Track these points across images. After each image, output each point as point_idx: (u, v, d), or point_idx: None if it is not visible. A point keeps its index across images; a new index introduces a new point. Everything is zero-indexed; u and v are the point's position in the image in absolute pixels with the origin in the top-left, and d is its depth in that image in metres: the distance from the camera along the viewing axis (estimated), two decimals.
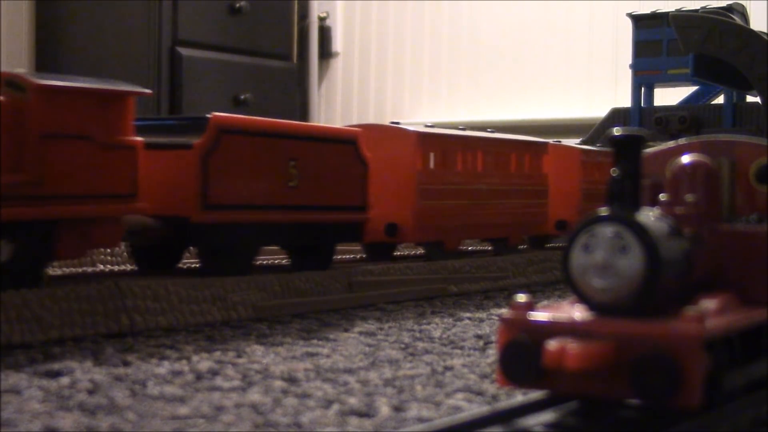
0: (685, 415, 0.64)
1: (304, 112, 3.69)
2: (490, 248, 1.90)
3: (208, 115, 1.26)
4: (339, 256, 1.63)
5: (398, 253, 1.77)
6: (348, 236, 1.52)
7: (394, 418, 0.75)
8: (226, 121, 1.28)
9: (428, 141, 1.65)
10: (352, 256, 1.66)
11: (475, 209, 1.74)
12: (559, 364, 0.62)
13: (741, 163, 0.81)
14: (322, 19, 3.91)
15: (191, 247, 1.42)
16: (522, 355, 0.65)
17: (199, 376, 0.89)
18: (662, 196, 0.77)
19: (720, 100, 2.33)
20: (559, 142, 2.07)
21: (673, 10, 2.13)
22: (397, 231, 1.60)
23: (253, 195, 1.31)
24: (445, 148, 1.68)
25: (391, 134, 1.65)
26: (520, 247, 1.93)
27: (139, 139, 1.17)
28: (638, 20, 2.35)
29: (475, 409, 0.77)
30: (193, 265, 1.40)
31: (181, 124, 1.33)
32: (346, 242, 1.59)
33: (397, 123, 1.68)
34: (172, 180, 1.24)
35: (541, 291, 1.69)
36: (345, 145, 1.47)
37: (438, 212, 1.66)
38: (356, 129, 1.52)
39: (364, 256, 1.70)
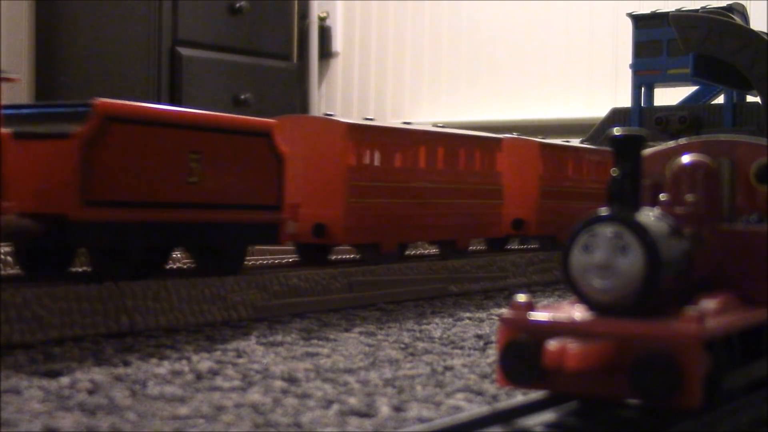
0: (685, 415, 0.64)
1: (303, 112, 3.69)
2: (436, 251, 1.74)
3: (91, 101, 1.13)
4: (334, 257, 1.60)
5: (334, 257, 1.61)
6: (261, 238, 1.38)
7: (394, 418, 0.75)
8: (114, 108, 1.15)
9: (362, 134, 1.50)
10: (350, 256, 1.65)
11: (416, 209, 1.60)
12: (559, 364, 0.62)
13: (741, 163, 0.81)
14: (322, 19, 3.91)
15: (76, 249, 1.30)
16: (522, 355, 0.65)
17: (199, 376, 0.89)
18: (662, 196, 0.77)
19: (720, 100, 2.33)
20: (520, 136, 1.96)
21: (673, 10, 2.13)
22: (325, 232, 1.45)
23: (146, 191, 1.18)
24: (382, 142, 1.54)
25: (319, 126, 1.50)
26: (472, 249, 1.82)
27: (4, 129, 1.03)
28: (638, 20, 2.35)
29: (475, 409, 0.77)
30: (187, 266, 1.40)
31: (63, 112, 1.18)
32: (259, 244, 1.49)
33: (331, 115, 1.52)
34: (47, 173, 1.11)
35: (541, 291, 1.69)
36: (256, 137, 1.33)
37: (372, 212, 1.50)
38: (270, 120, 1.36)
39: (295, 259, 1.54)
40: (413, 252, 1.78)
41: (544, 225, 1.91)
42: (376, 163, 1.53)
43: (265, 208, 1.34)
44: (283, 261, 1.51)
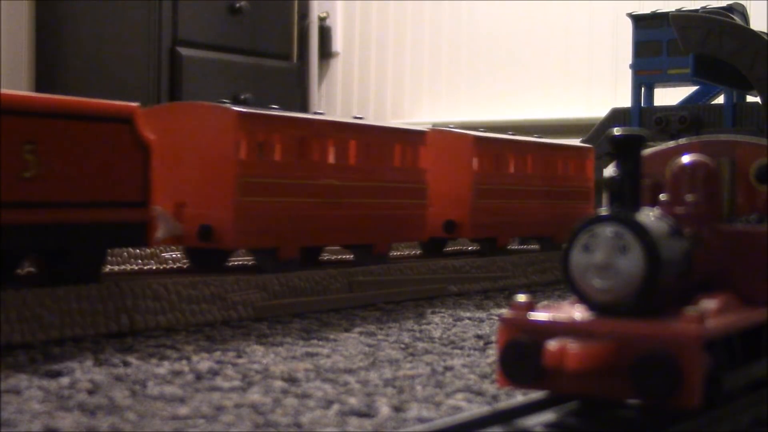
0: (685, 415, 0.64)
1: (304, 112, 3.70)
2: (350, 257, 1.57)
3: None
4: (333, 257, 1.59)
5: (233, 262, 1.46)
6: (123, 240, 1.19)
7: (394, 418, 0.75)
8: None
9: (256, 124, 1.33)
10: (348, 256, 1.64)
11: (323, 210, 1.41)
12: (559, 364, 0.62)
13: (741, 163, 0.81)
14: (322, 19, 3.91)
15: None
16: (522, 355, 0.65)
17: (199, 376, 0.89)
18: (662, 196, 0.77)
19: (720, 100, 2.33)
20: (451, 128, 1.78)
21: (673, 10, 2.13)
22: (212, 235, 1.28)
23: None
24: (282, 134, 1.36)
25: (205, 115, 1.32)
26: (403, 254, 1.71)
27: None
28: (638, 20, 2.35)
29: (475, 409, 0.77)
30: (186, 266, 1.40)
31: None
32: (122, 246, 1.33)
33: (224, 102, 1.34)
34: None
35: (541, 291, 1.69)
36: (114, 124, 1.14)
37: (269, 213, 1.33)
38: (131, 104, 1.17)
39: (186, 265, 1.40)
40: (329, 257, 1.60)
41: (481, 227, 1.73)
42: (275, 157, 1.35)
43: (126, 206, 1.16)
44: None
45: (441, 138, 1.70)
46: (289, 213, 1.36)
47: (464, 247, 1.89)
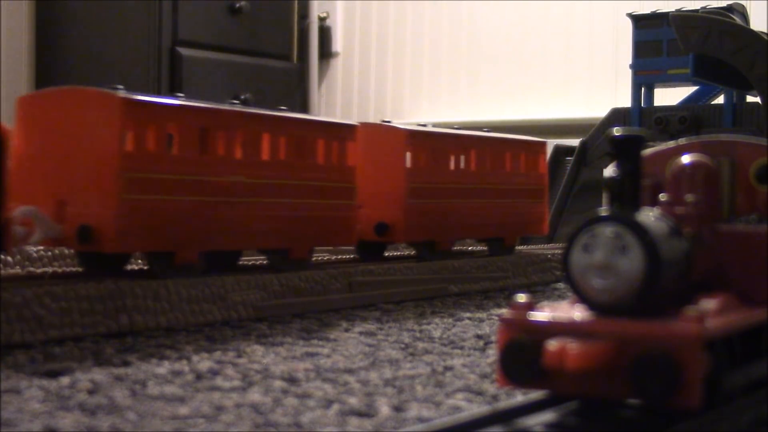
0: (685, 415, 0.64)
1: (304, 112, 3.70)
2: (265, 262, 1.43)
3: None
4: (250, 262, 1.46)
5: (132, 267, 1.32)
6: None
7: (394, 418, 0.75)
8: None
9: (145, 113, 1.17)
10: (349, 256, 1.65)
11: (228, 210, 1.26)
12: (559, 364, 0.62)
13: (741, 163, 0.81)
14: (322, 19, 3.91)
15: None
16: (522, 355, 0.65)
17: (199, 376, 0.89)
18: (662, 196, 0.77)
19: (720, 100, 2.33)
20: (389, 122, 1.64)
21: (673, 10, 2.13)
22: (91, 236, 1.12)
23: None
24: (179, 125, 1.21)
25: (85, 103, 1.16)
26: (330, 259, 1.57)
27: None
28: (638, 20, 2.35)
29: (475, 409, 0.77)
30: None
31: None
32: None
33: (116, 88, 1.17)
34: None
35: (541, 291, 1.69)
36: None
37: (160, 212, 1.18)
38: None
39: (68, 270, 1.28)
40: (250, 262, 1.46)
41: (417, 230, 1.58)
42: (167, 150, 1.20)
43: None
44: (485, 248, 1.59)
45: (371, 132, 1.55)
46: (186, 213, 1.21)
47: (401, 252, 1.76)
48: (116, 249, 1.16)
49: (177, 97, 1.24)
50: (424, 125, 1.69)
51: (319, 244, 1.48)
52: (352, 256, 1.62)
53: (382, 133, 1.58)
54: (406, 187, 1.55)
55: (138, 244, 1.18)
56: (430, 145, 1.62)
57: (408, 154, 1.56)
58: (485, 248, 1.81)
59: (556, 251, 1.84)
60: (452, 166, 1.67)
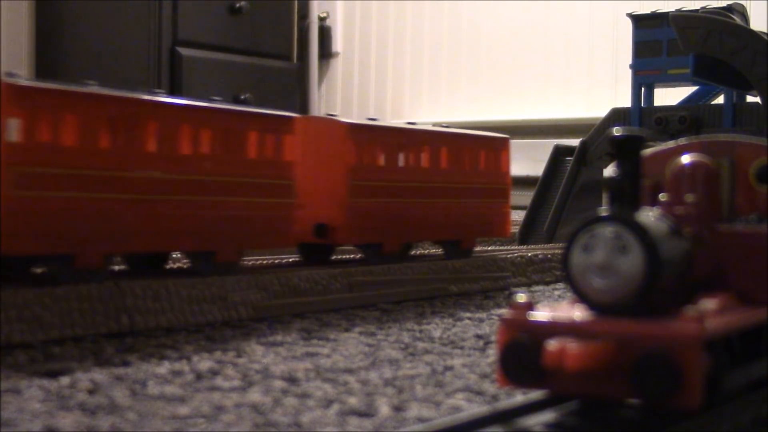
0: (685, 415, 0.64)
1: (304, 112, 3.70)
2: (190, 266, 1.30)
3: None
4: (176, 265, 1.37)
5: (40, 270, 1.17)
6: None
7: (394, 418, 0.76)
8: None
9: (39, 100, 1.06)
10: (351, 256, 1.64)
11: (142, 209, 1.15)
12: (559, 364, 0.62)
13: (741, 163, 0.81)
14: (322, 19, 3.91)
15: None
16: (522, 355, 0.65)
17: (199, 376, 0.89)
18: (662, 196, 0.77)
19: (720, 100, 2.33)
20: (332, 115, 1.50)
21: (673, 10, 2.13)
22: None
23: None
24: (80, 115, 1.09)
25: None
26: (249, 262, 1.43)
27: None
28: (638, 20, 2.35)
29: (475, 409, 0.77)
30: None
31: None
32: None
33: (11, 74, 1.05)
34: None
35: (541, 291, 1.69)
36: None
37: (58, 210, 1.07)
38: None
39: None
40: (175, 266, 1.36)
41: (360, 231, 1.47)
42: (71, 143, 1.09)
43: None
44: (284, 261, 1.50)
45: (312, 126, 1.45)
46: (88, 212, 1.10)
47: (351, 255, 1.62)
48: (8, 251, 1.04)
49: (85, 84, 1.11)
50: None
51: (250, 246, 1.36)
52: (292, 260, 1.51)
53: (323, 126, 1.46)
54: (349, 185, 1.44)
55: (30, 245, 1.06)
56: (377, 140, 1.50)
57: (351, 150, 1.44)
58: (440, 251, 1.71)
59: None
60: (402, 162, 1.54)
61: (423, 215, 1.58)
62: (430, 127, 1.65)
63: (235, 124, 1.28)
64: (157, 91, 1.21)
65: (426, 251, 1.80)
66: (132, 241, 1.16)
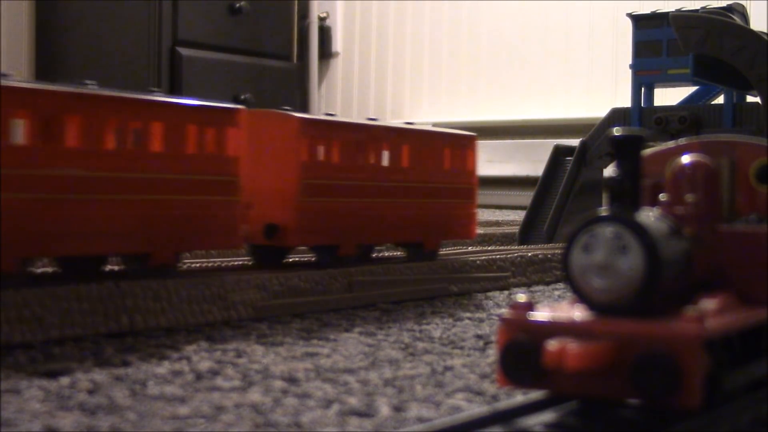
0: (685, 415, 0.64)
1: (304, 112, 3.70)
2: (118, 270, 1.23)
3: None
4: (210, 263, 1.38)
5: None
6: None
7: (394, 418, 0.76)
8: None
9: None
10: (234, 262, 1.48)
11: (58, 209, 1.06)
12: (559, 364, 0.62)
13: (741, 163, 0.81)
14: (322, 19, 3.91)
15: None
16: (522, 355, 0.65)
17: (199, 376, 0.89)
18: (662, 196, 0.77)
19: (720, 100, 2.34)
20: (287, 110, 1.40)
21: (673, 10, 2.13)
22: None
23: None
24: None
25: None
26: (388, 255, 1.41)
27: None
28: (638, 20, 2.35)
29: (475, 409, 0.77)
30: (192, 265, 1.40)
31: None
32: None
33: None
34: None
35: (541, 291, 1.69)
36: None
37: None
38: None
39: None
40: (112, 268, 1.26)
41: (313, 232, 1.38)
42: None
43: None
44: (231, 264, 1.46)
45: (262, 120, 1.37)
46: (4, 214, 1.00)
47: (301, 258, 1.52)
48: None
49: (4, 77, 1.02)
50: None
51: (190, 248, 1.28)
52: (241, 262, 1.43)
53: (274, 121, 1.37)
54: (301, 184, 1.35)
55: None
56: (333, 136, 1.41)
57: (304, 146, 1.36)
58: (403, 254, 1.63)
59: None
60: (360, 160, 1.45)
61: (383, 216, 1.49)
62: (391, 123, 1.58)
63: (170, 116, 1.19)
64: (87, 82, 1.12)
65: (388, 254, 1.71)
66: (53, 245, 1.08)
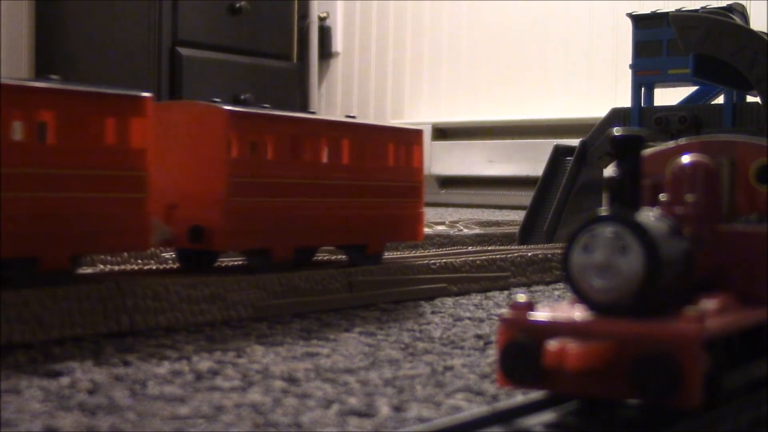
0: (685, 415, 0.64)
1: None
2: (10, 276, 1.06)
3: None
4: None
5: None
6: None
7: (394, 418, 0.76)
8: None
9: None
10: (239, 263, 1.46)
11: None
12: (559, 364, 0.62)
13: (741, 163, 0.81)
14: (322, 19, 3.91)
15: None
16: (522, 355, 0.65)
17: (199, 376, 0.89)
18: (662, 196, 0.77)
19: (720, 100, 2.34)
20: (217, 102, 1.29)
21: (673, 10, 2.13)
22: None
23: None
24: None
25: None
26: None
27: None
28: (638, 20, 2.35)
29: (475, 409, 0.77)
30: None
31: None
32: None
33: None
34: None
35: (541, 291, 1.69)
36: None
37: None
38: None
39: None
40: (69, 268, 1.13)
41: (243, 235, 1.27)
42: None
43: None
44: (346, 257, 1.47)
45: (184, 112, 1.27)
46: None
47: (239, 262, 1.44)
48: None
49: None
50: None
51: (87, 251, 1.17)
52: (164, 267, 1.35)
53: (200, 113, 1.27)
54: (229, 182, 1.25)
55: None
56: (266, 130, 1.31)
57: (233, 141, 1.25)
58: (344, 257, 1.52)
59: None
60: (296, 156, 1.35)
61: (321, 217, 1.38)
62: (330, 117, 1.45)
63: (60, 105, 1.06)
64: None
65: (330, 258, 1.58)
66: None
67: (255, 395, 0.82)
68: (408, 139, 1.55)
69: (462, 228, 2.46)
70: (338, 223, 1.42)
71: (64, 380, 0.86)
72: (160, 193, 1.22)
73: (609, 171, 1.99)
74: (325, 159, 1.39)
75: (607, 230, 0.66)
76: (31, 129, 1.04)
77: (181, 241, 1.26)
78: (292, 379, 0.89)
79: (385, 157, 1.51)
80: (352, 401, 0.80)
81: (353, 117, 1.51)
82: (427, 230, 2.26)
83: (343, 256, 1.54)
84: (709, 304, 0.70)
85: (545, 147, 2.53)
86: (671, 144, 0.83)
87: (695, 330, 0.62)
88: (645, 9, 2.46)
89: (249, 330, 1.17)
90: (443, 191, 4.19)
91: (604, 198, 0.69)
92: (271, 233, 1.31)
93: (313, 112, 1.49)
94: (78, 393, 0.81)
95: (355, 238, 1.47)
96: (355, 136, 1.45)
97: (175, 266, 1.37)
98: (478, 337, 1.16)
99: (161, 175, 1.21)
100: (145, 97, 1.14)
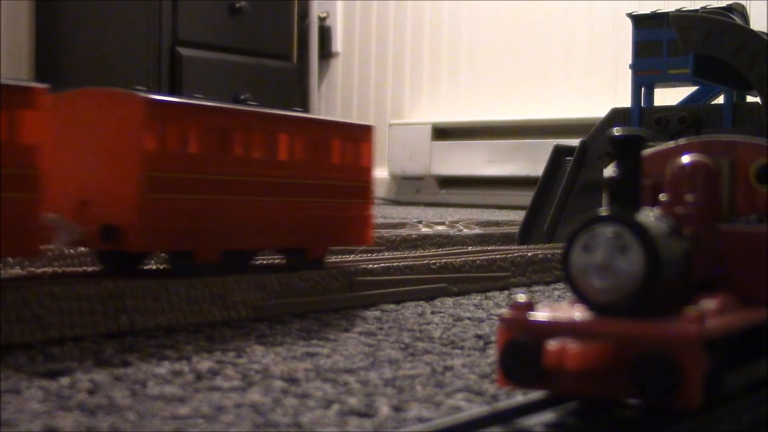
0: (685, 415, 0.64)
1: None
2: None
3: None
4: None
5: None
6: None
7: (394, 418, 0.76)
8: None
9: None
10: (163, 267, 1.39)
11: None
12: (559, 364, 0.62)
13: (741, 163, 0.81)
14: (322, 19, 3.91)
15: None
16: (522, 355, 0.65)
17: (199, 376, 0.89)
18: (662, 196, 0.77)
19: (720, 100, 2.34)
20: (137, 89, 1.17)
21: (673, 10, 2.14)
22: None
23: None
24: None
25: None
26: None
27: None
28: (638, 20, 2.35)
29: (475, 409, 0.77)
30: None
31: None
32: None
33: None
34: None
35: (541, 291, 1.69)
36: None
37: None
38: None
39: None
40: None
41: (161, 235, 1.17)
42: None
43: None
44: (284, 261, 1.49)
45: (94, 101, 1.16)
46: None
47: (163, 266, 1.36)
48: None
49: None
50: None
51: None
52: (82, 270, 1.26)
53: (112, 102, 1.16)
54: (145, 178, 1.14)
55: None
56: (189, 122, 1.20)
57: (150, 133, 1.15)
58: (283, 261, 1.43)
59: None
60: (225, 151, 1.25)
61: (253, 217, 1.28)
62: (265, 110, 1.31)
63: None
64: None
65: (268, 261, 1.48)
66: None
67: (255, 395, 0.82)
68: (355, 135, 1.45)
69: (462, 228, 2.46)
70: (274, 224, 1.31)
71: (64, 380, 0.86)
72: (71, 189, 1.14)
73: (609, 171, 1.99)
74: (259, 154, 1.29)
75: (607, 230, 0.66)
76: None
77: (93, 241, 1.16)
78: (292, 379, 0.89)
79: (329, 154, 1.40)
80: (352, 401, 0.80)
81: (301, 111, 1.41)
82: (427, 230, 2.26)
83: (281, 260, 1.44)
84: (709, 304, 0.70)
85: (545, 147, 2.53)
86: (671, 144, 0.83)
87: (695, 330, 0.62)
88: (645, 9, 2.46)
89: (249, 330, 1.17)
90: (443, 191, 4.20)
91: (604, 198, 0.69)
92: (194, 234, 1.21)
93: (301, 110, 1.42)
94: (78, 393, 0.81)
95: (293, 241, 1.36)
96: (294, 130, 1.34)
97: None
98: (478, 337, 1.16)
99: (71, 170, 1.14)
100: (35, 88, 1.03)
